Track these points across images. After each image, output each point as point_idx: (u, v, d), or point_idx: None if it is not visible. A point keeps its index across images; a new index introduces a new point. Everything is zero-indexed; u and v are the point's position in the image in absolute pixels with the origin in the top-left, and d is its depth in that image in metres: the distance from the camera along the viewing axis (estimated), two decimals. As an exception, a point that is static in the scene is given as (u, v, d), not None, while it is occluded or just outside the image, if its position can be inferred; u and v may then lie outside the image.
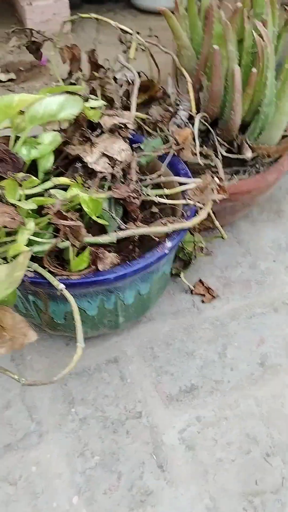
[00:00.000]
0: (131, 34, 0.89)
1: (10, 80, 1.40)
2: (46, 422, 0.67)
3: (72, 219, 0.53)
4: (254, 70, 0.72)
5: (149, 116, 0.81)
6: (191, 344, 0.75)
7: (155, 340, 0.76)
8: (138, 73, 0.85)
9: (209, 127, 0.81)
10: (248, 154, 0.79)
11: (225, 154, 0.80)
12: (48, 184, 0.63)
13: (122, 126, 0.71)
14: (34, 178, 0.57)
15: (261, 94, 0.76)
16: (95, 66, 0.88)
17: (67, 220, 0.51)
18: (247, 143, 0.79)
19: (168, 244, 0.61)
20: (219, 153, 0.79)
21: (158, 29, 1.54)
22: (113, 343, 0.76)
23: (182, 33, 0.77)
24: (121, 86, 0.83)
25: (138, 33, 0.91)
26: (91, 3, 1.91)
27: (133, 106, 0.77)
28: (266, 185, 0.81)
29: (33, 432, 0.66)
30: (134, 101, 0.78)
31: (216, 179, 0.64)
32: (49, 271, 0.57)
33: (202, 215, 0.63)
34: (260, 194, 0.84)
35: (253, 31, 0.72)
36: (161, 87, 0.97)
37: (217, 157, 0.79)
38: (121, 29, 0.91)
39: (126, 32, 0.91)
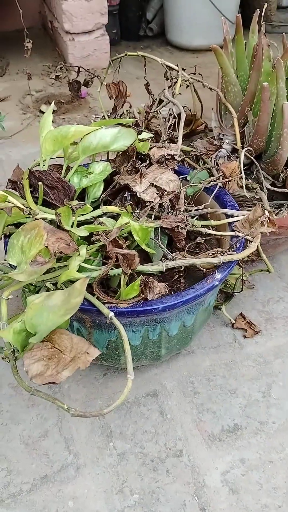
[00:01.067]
0: (177, 70, 0.91)
1: (53, 111, 1.44)
2: (84, 455, 0.65)
3: (125, 248, 0.53)
4: None
5: (193, 149, 0.82)
6: (233, 381, 0.73)
7: (196, 375, 0.74)
8: (183, 107, 0.87)
9: (254, 160, 0.81)
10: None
11: (269, 187, 0.80)
12: (97, 212, 0.63)
13: (169, 157, 0.71)
14: (88, 205, 0.57)
15: None
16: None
17: (122, 248, 0.51)
18: None
19: (218, 275, 0.60)
20: (264, 186, 0.79)
21: (193, 66, 1.58)
22: (152, 375, 0.74)
23: (231, 69, 0.78)
24: (167, 120, 0.84)
25: (183, 69, 0.93)
26: (129, 40, 1.98)
27: (180, 138, 0.78)
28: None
29: (70, 465, 0.64)
30: (180, 133, 0.78)
31: (266, 212, 0.63)
32: (98, 298, 0.56)
33: (252, 247, 0.62)
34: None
35: None
36: (204, 121, 0.98)
37: (262, 190, 0.78)
38: (167, 66, 0.94)
39: (171, 68, 0.93)
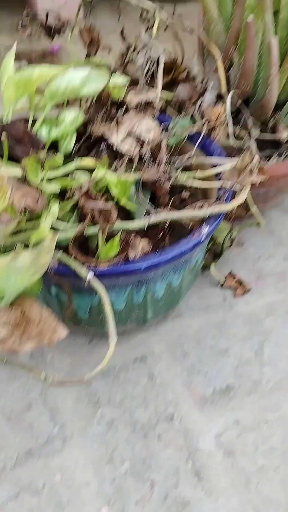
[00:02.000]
0: (153, 12, 0.84)
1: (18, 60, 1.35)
2: (70, 426, 0.61)
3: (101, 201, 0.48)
4: None
5: (175, 96, 0.75)
6: (224, 341, 0.69)
7: (185, 337, 0.70)
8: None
9: (240, 106, 0.75)
10: (284, 135, 0.73)
11: (258, 135, 0.74)
12: (71, 166, 0.58)
13: (148, 103, 0.65)
14: (59, 156, 0.52)
15: None
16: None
17: (96, 201, 0.46)
18: (282, 122, 0.73)
19: (205, 229, 0.55)
20: (252, 134, 0.73)
21: (185, 17, 1.49)
22: (139, 340, 0.70)
23: (213, 3, 0.71)
24: (145, 64, 0.77)
25: (161, 8, 0.85)
26: (104, -9, 1.86)
27: (159, 84, 0.71)
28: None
29: (56, 437, 0.60)
30: (160, 79, 0.72)
31: (255, 159, 0.58)
32: (75, 260, 0.52)
33: (242, 197, 0.57)
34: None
35: None
36: (186, 67, 0.91)
37: (250, 138, 0.73)
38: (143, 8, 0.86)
39: (147, 11, 0.86)
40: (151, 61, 0.79)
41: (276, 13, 0.70)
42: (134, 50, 0.82)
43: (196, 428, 0.60)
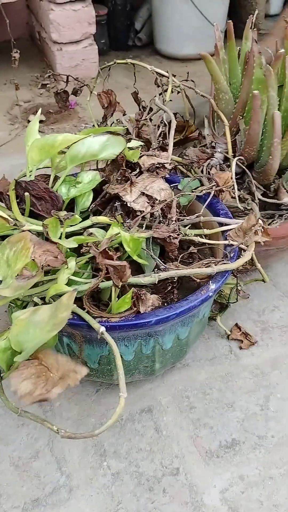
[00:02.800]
0: (167, 77, 0.90)
1: (40, 121, 1.42)
2: (77, 476, 0.62)
3: (116, 259, 0.51)
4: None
5: (185, 157, 0.80)
6: (230, 394, 0.71)
7: (191, 389, 0.71)
8: (174, 114, 0.86)
9: (246, 169, 0.79)
10: (285, 199, 0.76)
11: (261, 198, 0.78)
12: (87, 223, 0.61)
13: (160, 166, 0.70)
14: (77, 216, 0.55)
15: None
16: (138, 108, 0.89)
17: (112, 259, 0.49)
18: (284, 188, 0.77)
19: (212, 286, 0.58)
20: (256, 196, 0.77)
21: (183, 75, 1.58)
22: (146, 390, 0.71)
23: (221, 77, 0.77)
24: (158, 127, 0.83)
25: (174, 75, 0.92)
26: (118, 50, 1.98)
27: (170, 146, 0.76)
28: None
29: (63, 487, 0.61)
30: (171, 141, 0.77)
31: (260, 221, 0.61)
32: (88, 313, 0.54)
33: (247, 256, 0.60)
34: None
35: None
36: (197, 128, 0.97)
37: (253, 200, 0.77)
38: (157, 73, 0.92)
39: (162, 75, 0.92)
40: (163, 124, 0.84)
41: (281, 87, 0.76)
42: (148, 112, 0.88)
43: (201, 482, 0.61)
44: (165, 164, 0.67)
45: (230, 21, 0.79)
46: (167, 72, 0.91)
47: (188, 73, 0.97)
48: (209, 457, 0.63)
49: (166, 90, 0.88)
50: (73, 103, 1.47)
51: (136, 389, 0.71)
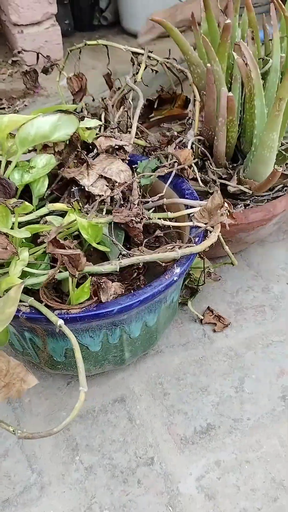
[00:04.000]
0: (142, 54, 0.86)
1: (2, 108, 1.37)
2: (48, 473, 0.60)
3: (70, 247, 0.48)
4: (229, 94, 0.66)
5: (147, 143, 0.77)
6: (204, 378, 0.69)
7: (165, 375, 0.70)
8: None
9: (205, 151, 0.76)
10: (230, 187, 0.73)
11: (221, 181, 0.74)
12: (43, 211, 0.58)
13: (119, 148, 0.66)
14: (28, 203, 0.52)
15: (252, 123, 0.70)
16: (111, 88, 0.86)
17: (64, 248, 0.46)
18: (237, 175, 0.74)
19: (177, 270, 0.56)
20: (217, 180, 0.74)
21: (153, 53, 1.53)
22: (119, 380, 0.69)
23: (189, 47, 0.73)
24: (122, 106, 0.79)
25: (150, 52, 0.88)
26: (83, 30, 1.91)
27: (134, 127, 0.73)
28: (247, 224, 0.73)
29: (34, 485, 0.59)
30: (135, 122, 0.74)
31: (225, 204, 0.59)
32: (47, 305, 0.51)
33: (213, 238, 0.58)
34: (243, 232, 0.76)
35: (234, 53, 0.66)
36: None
37: (215, 184, 0.74)
38: (132, 52, 0.88)
39: (137, 53, 0.88)
40: (128, 101, 0.80)
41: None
42: (121, 93, 0.84)
43: (176, 471, 0.59)
44: (124, 146, 0.64)
45: None
46: (143, 49, 0.87)
47: (150, 51, 0.93)
48: (184, 444, 0.62)
49: (138, 71, 0.84)
50: (38, 88, 1.42)
51: (108, 380, 0.69)
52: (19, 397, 0.39)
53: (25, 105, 1.32)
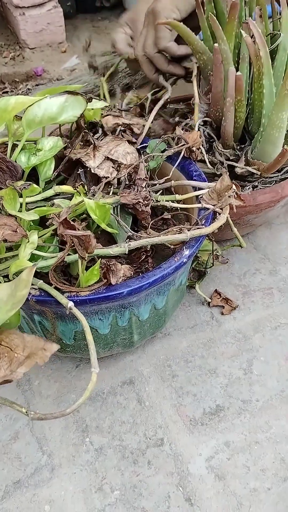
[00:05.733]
0: None
1: (5, 92, 1.36)
2: (58, 454, 0.60)
3: (79, 229, 0.47)
4: (238, 73, 0.65)
5: (151, 132, 0.76)
6: (212, 360, 0.69)
7: (173, 358, 0.70)
8: None
9: (211, 133, 0.75)
10: (237, 168, 0.72)
11: (228, 162, 0.73)
12: (49, 193, 0.58)
13: (125, 127, 0.66)
14: (35, 186, 0.52)
15: (260, 103, 0.69)
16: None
17: (75, 229, 0.46)
18: (245, 156, 0.73)
19: (186, 252, 0.55)
20: (224, 161, 0.73)
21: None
22: (127, 362, 0.69)
23: (195, 37, 0.71)
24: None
25: None
26: (86, 12, 1.88)
27: (152, 114, 0.72)
28: (255, 206, 0.72)
29: (45, 466, 0.59)
30: (156, 109, 0.72)
31: (233, 186, 0.58)
32: (56, 288, 0.51)
33: (222, 219, 0.57)
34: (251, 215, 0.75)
35: (242, 31, 0.65)
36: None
37: (222, 165, 0.73)
38: None
39: None
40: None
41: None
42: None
43: (186, 452, 0.60)
44: (131, 125, 0.63)
45: None
46: None
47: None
48: (193, 425, 0.62)
49: None
50: (40, 70, 1.41)
51: (117, 362, 0.69)
52: (44, 362, 0.39)
53: (28, 89, 1.30)
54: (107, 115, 0.63)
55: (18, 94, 1.28)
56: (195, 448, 0.60)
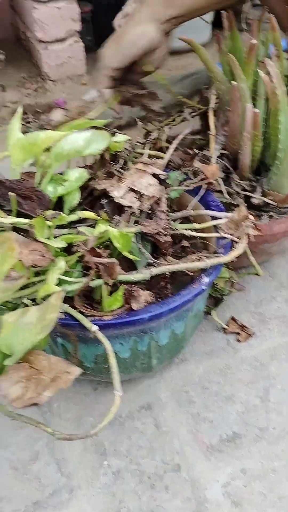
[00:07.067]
0: None
1: (28, 122, 1.41)
2: (77, 476, 0.61)
3: (104, 256, 0.50)
4: (255, 110, 0.69)
5: (170, 163, 0.79)
6: (229, 387, 0.70)
7: (190, 383, 0.71)
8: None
9: (227, 164, 0.78)
10: (254, 199, 0.75)
11: (245, 193, 0.76)
12: (73, 217, 0.60)
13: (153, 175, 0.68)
14: (64, 215, 0.54)
15: (276, 138, 0.72)
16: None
17: (101, 257, 0.48)
18: (262, 187, 0.75)
19: (205, 279, 0.57)
20: (241, 191, 0.76)
21: (177, 69, 1.56)
22: (145, 387, 0.71)
23: (214, 65, 0.75)
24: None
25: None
26: (105, 46, 1.96)
27: (169, 153, 0.75)
28: (272, 235, 0.75)
29: (63, 488, 0.60)
30: (172, 148, 0.76)
31: (250, 216, 0.60)
32: (80, 312, 0.53)
33: (240, 249, 0.59)
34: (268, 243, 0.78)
35: (260, 71, 0.68)
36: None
37: (238, 195, 0.76)
38: None
39: None
40: None
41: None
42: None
43: (203, 478, 0.60)
44: (160, 176, 0.66)
45: (230, 11, 0.77)
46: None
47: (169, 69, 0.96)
48: (210, 451, 0.63)
49: None
50: (61, 101, 1.46)
51: (135, 386, 0.71)
52: (67, 386, 0.41)
53: (50, 119, 1.36)
54: (139, 161, 0.66)
55: (40, 125, 1.33)
56: (212, 474, 0.61)
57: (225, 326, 0.77)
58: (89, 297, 0.61)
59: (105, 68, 0.74)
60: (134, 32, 0.71)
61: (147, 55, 0.74)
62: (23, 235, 0.54)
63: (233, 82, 0.69)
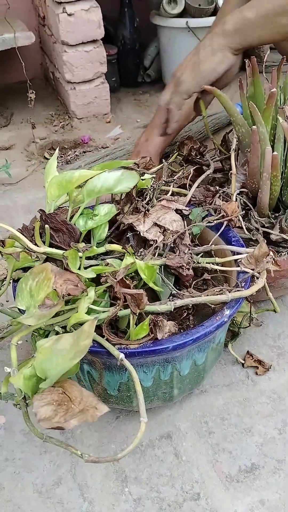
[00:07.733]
0: None
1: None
2: (99, 502, 0.63)
3: (132, 287, 0.53)
4: (274, 153, 0.73)
5: (192, 199, 0.83)
6: (248, 419, 0.71)
7: (209, 415, 0.72)
8: None
9: (247, 202, 0.82)
10: (272, 235, 0.78)
11: (264, 229, 0.80)
12: (101, 249, 0.64)
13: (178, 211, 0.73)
14: (95, 247, 0.58)
15: None
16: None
17: (129, 288, 0.52)
18: (281, 224, 0.79)
19: (227, 312, 0.60)
20: (258, 229, 0.79)
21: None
22: (165, 417, 0.72)
23: (235, 109, 0.80)
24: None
25: None
26: (128, 86, 2.05)
27: (193, 188, 0.79)
28: None
29: (85, 514, 0.62)
30: (194, 186, 0.80)
31: (271, 252, 0.64)
32: (107, 340, 0.56)
33: (260, 283, 0.62)
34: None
35: (279, 117, 0.74)
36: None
37: (258, 231, 0.79)
38: None
39: None
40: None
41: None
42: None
43: (222, 507, 0.61)
44: (182, 210, 0.70)
45: (253, 56, 0.82)
46: None
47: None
48: (229, 481, 0.64)
49: None
50: (87, 138, 1.53)
51: (155, 416, 0.73)
52: (93, 421, 0.44)
53: (76, 155, 1.42)
54: (163, 198, 0.70)
55: (67, 160, 1.39)
56: (230, 504, 0.61)
57: (241, 361, 0.79)
58: (114, 326, 0.64)
59: (185, 93, 0.91)
60: (213, 60, 0.88)
61: (223, 75, 0.90)
62: (54, 265, 0.58)
63: (253, 127, 0.74)
